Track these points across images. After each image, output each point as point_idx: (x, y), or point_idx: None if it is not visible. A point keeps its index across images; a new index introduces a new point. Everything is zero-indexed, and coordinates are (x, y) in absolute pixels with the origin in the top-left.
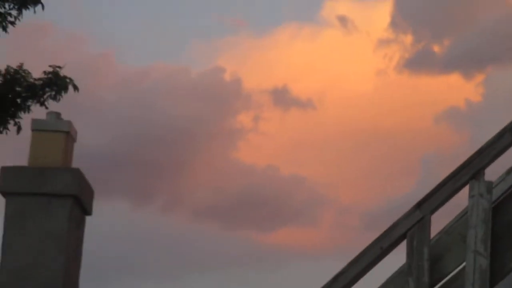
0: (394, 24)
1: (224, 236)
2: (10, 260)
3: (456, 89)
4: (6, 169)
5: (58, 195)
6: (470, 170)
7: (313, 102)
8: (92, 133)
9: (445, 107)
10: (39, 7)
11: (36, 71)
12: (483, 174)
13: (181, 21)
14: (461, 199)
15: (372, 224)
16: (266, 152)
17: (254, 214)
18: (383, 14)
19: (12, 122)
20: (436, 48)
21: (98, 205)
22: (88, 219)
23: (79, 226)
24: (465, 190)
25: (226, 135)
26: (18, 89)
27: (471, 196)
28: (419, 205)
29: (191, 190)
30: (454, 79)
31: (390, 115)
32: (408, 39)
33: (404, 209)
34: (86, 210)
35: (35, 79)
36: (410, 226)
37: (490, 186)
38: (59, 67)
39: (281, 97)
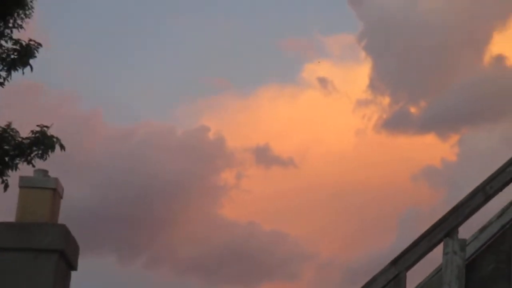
0: (373, 86)
1: None
2: None
3: (432, 148)
4: None
5: (45, 250)
6: (444, 228)
7: (294, 161)
8: (79, 189)
9: (421, 166)
10: (27, 68)
11: (27, 129)
12: (457, 232)
13: (169, 82)
14: (436, 255)
15: (352, 279)
16: (248, 208)
17: (237, 270)
18: (362, 76)
19: None
20: (413, 110)
21: (84, 259)
22: (73, 273)
23: (65, 280)
24: (440, 247)
25: (210, 191)
26: (6, 147)
27: (445, 253)
28: (395, 262)
29: (175, 246)
30: (430, 139)
31: (369, 173)
32: (386, 100)
33: (382, 264)
34: (71, 265)
35: (22, 138)
36: (386, 282)
37: (463, 243)
38: (47, 126)
39: (263, 156)
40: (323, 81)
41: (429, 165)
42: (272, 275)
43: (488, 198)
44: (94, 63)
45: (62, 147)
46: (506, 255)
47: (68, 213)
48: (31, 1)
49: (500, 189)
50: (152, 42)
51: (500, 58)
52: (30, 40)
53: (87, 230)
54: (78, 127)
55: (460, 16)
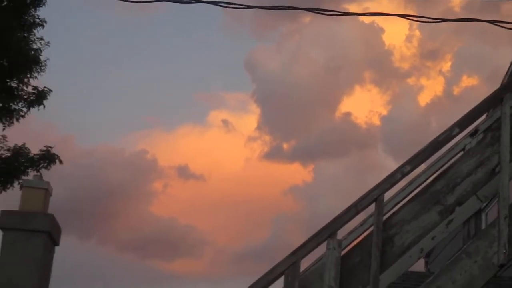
0: (259, 127)
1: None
2: (2, 274)
3: (297, 173)
4: (4, 212)
5: (38, 231)
6: (328, 231)
7: (204, 176)
8: (57, 190)
9: (290, 185)
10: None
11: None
12: (336, 234)
13: (120, 117)
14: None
15: (239, 260)
16: (171, 208)
17: (160, 250)
18: (252, 121)
19: (16, 182)
20: (285, 145)
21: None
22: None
23: (51, 252)
24: (324, 244)
25: (145, 195)
26: (21, 160)
27: (328, 249)
28: (294, 252)
29: (118, 231)
30: (296, 167)
31: (254, 189)
32: (267, 138)
33: (261, 252)
34: (55, 242)
35: (34, 154)
36: (287, 267)
37: (340, 242)
38: (50, 147)
39: (183, 172)
40: (225, 122)
41: (294, 184)
42: (184, 254)
43: (357, 212)
44: (68, 102)
45: (60, 161)
46: (367, 251)
47: (50, 206)
48: (45, 60)
49: (366, 207)
50: (107, 86)
51: (347, 114)
52: (45, 87)
53: (60, 217)
54: (58, 147)
55: (321, 82)
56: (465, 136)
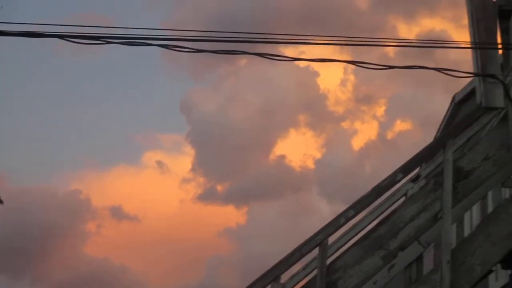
0: (194, 169)
1: None
2: None
3: (231, 215)
4: None
5: None
6: (272, 275)
7: (138, 217)
8: None
9: (224, 227)
10: None
11: None
12: (280, 278)
13: (52, 155)
14: None
15: None
16: (105, 248)
17: None
18: (186, 162)
19: None
20: (219, 187)
21: None
22: None
23: None
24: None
25: (78, 235)
26: None
27: None
28: None
29: (51, 271)
30: (229, 209)
31: (188, 230)
32: (202, 180)
33: None
34: None
35: None
36: None
37: (284, 286)
38: None
39: (117, 213)
40: (160, 163)
41: (228, 226)
42: None
43: (301, 256)
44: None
45: (1, 201)
46: None
47: None
48: None
49: (310, 251)
50: (41, 125)
51: (281, 157)
52: None
53: None
54: None
55: (256, 124)
56: (407, 181)
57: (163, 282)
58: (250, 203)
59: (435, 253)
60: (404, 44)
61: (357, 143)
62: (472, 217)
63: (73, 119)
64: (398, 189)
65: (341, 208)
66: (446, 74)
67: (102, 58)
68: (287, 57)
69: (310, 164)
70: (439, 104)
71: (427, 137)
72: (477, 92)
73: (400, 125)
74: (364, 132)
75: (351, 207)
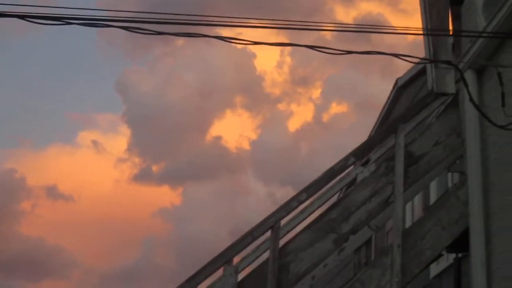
0: (129, 149)
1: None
2: None
3: (166, 196)
4: None
5: None
6: (224, 258)
7: (73, 197)
8: None
9: (159, 207)
10: None
11: None
12: (232, 261)
13: None
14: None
15: (107, 281)
16: (39, 228)
17: (28, 269)
18: (122, 142)
19: None
20: (154, 168)
21: None
22: None
23: None
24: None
25: (13, 215)
26: None
27: (224, 275)
28: (189, 280)
29: None
30: (165, 189)
31: (123, 210)
32: (137, 160)
33: (130, 273)
34: None
35: None
36: None
37: (236, 269)
38: None
39: (52, 192)
40: (95, 143)
41: (163, 207)
42: (52, 275)
43: (254, 239)
44: None
45: None
46: (263, 277)
47: None
48: None
49: (262, 234)
50: None
51: (218, 138)
52: None
53: None
54: None
55: (192, 105)
56: (356, 165)
57: (98, 262)
58: (186, 184)
59: (385, 237)
60: (354, 29)
61: (293, 125)
62: (414, 202)
63: (6, 97)
64: (348, 173)
65: (276, 189)
66: (403, 59)
67: (39, 37)
68: (247, 40)
69: (246, 145)
70: (375, 87)
71: (363, 120)
72: (428, 78)
73: (336, 108)
74: (300, 114)
75: (304, 190)
